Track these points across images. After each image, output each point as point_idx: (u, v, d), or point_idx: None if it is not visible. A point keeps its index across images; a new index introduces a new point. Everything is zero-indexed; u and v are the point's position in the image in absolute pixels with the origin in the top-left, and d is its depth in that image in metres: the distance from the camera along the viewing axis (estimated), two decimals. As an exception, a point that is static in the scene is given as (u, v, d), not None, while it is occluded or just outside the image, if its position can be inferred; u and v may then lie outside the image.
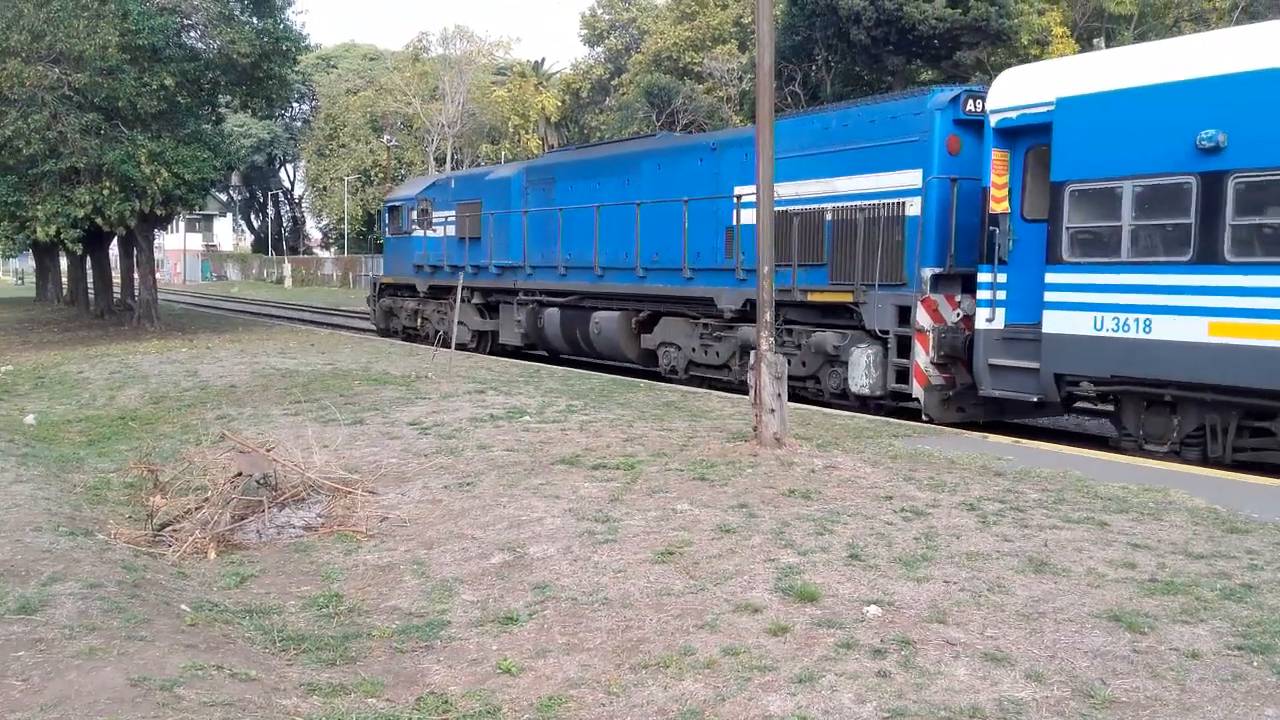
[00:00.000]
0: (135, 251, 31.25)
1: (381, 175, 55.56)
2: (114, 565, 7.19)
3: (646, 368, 19.19)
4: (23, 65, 21.13)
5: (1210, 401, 10.68)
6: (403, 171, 57.40)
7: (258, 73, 26.06)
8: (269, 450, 9.53)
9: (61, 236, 24.03)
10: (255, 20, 26.34)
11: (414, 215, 26.26)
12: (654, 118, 44.86)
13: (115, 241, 33.84)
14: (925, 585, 6.16)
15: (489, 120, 59.94)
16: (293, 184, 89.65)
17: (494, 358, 20.77)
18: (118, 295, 36.60)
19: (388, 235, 29.20)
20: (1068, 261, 11.68)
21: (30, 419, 14.61)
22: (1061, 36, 38.81)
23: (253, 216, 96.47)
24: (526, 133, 59.71)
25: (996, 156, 12.51)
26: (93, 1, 21.91)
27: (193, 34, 26.22)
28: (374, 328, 29.62)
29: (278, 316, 38.56)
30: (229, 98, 28.80)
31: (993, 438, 11.74)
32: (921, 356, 13.11)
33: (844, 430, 11.57)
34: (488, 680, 5.42)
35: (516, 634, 5.94)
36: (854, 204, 14.35)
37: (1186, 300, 10.68)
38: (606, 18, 60.54)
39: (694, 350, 17.59)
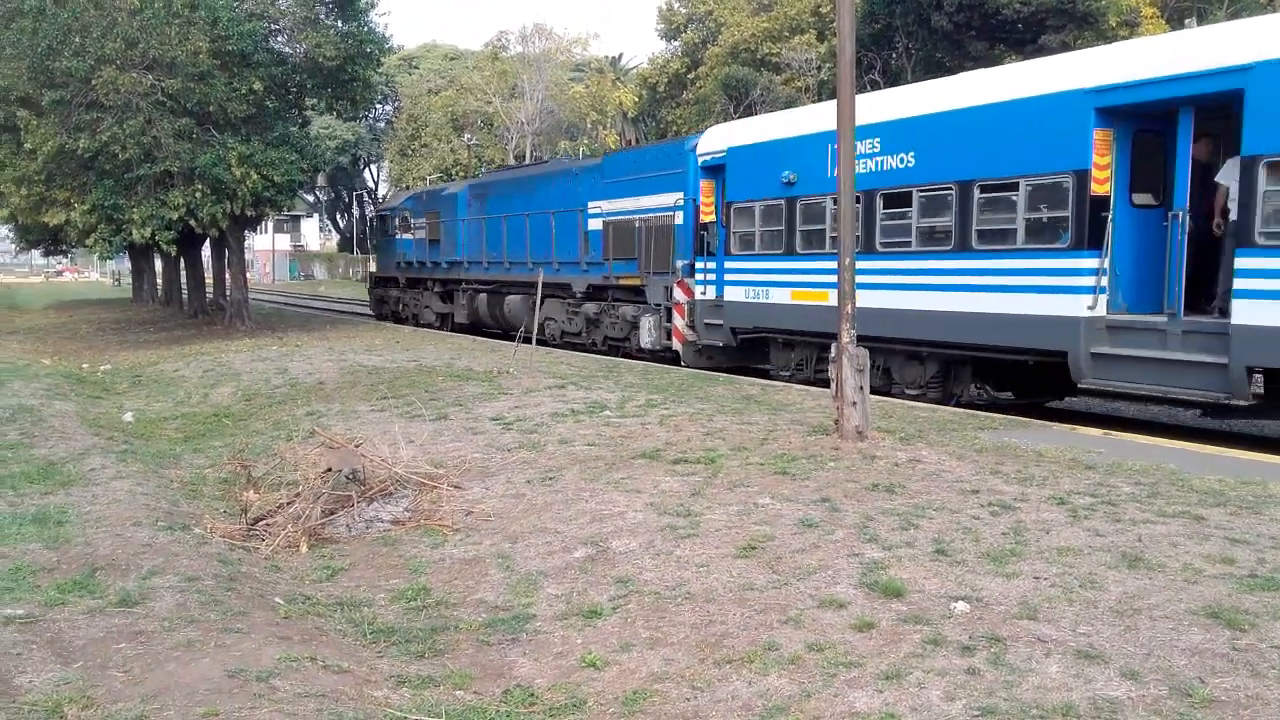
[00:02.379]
0: (226, 252, 32.07)
1: (463, 174, 56.24)
2: (210, 559, 7.40)
3: (541, 336, 23.30)
4: (118, 72, 21.81)
5: (801, 342, 16.58)
6: (482, 169, 57.98)
7: (342, 75, 26.55)
8: (357, 446, 9.71)
9: (156, 238, 24.76)
10: (340, 24, 26.81)
11: (396, 222, 33.07)
12: (731, 110, 44.62)
13: (207, 243, 34.77)
14: (1014, 581, 6.05)
15: (567, 117, 60.23)
16: (376, 184, 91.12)
17: (573, 353, 20.98)
18: (210, 295, 37.59)
19: (379, 238, 35.90)
20: (733, 254, 17.71)
21: (129, 416, 15.10)
22: (1151, 17, 37.62)
23: (338, 216, 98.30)
24: (605, 128, 59.85)
25: (704, 185, 18.46)
26: (184, 9, 22.52)
27: (280, 38, 26.82)
28: (372, 313, 36.83)
29: (363, 314, 39.25)
30: (315, 100, 29.37)
31: (1081, 429, 11.46)
32: (679, 321, 19.07)
33: (927, 423, 11.40)
34: (573, 674, 5.46)
35: (600, 628, 5.98)
36: (649, 215, 20.09)
37: (782, 278, 16.61)
38: (683, 11, 60.34)
39: (563, 322, 23.56)
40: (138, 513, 8.55)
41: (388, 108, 71.14)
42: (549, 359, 18.76)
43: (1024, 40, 35.34)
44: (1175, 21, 37.96)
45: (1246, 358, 10.52)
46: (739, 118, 42.37)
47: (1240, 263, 10.62)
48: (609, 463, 9.57)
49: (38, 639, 5.63)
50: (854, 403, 9.98)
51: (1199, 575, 6.04)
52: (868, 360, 10.16)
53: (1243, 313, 10.53)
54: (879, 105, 15.07)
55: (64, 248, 59.51)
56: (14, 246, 74.25)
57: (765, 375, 16.74)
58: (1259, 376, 10.97)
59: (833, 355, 10.22)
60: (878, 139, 14.68)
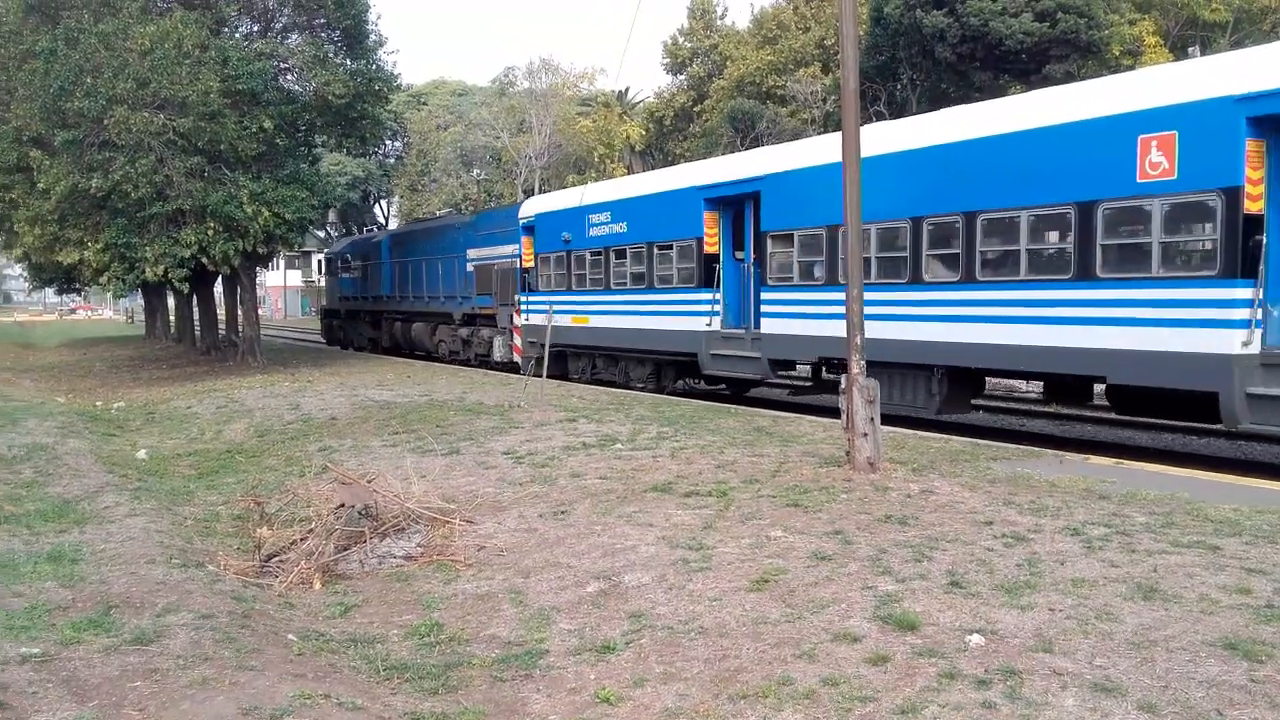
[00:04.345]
0: (238, 289, 32.28)
1: (472, 209, 56.55)
2: (224, 596, 7.41)
3: (436, 353, 31.47)
4: (130, 112, 22.05)
5: (584, 352, 22.76)
6: (491, 204, 58.32)
7: (352, 113, 26.82)
8: (369, 481, 9.74)
9: (169, 276, 24.94)
10: (349, 62, 27.12)
11: (339, 264, 40.72)
12: (738, 143, 44.87)
13: (219, 280, 34.98)
14: (1029, 613, 6.03)
15: (575, 151, 60.53)
16: (387, 219, 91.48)
17: (586, 386, 21.06)
18: (222, 332, 37.76)
19: (326, 277, 44.10)
20: (539, 290, 23.84)
21: (142, 453, 15.15)
22: (1154, 46, 37.82)
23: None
24: (612, 161, 60.15)
25: (525, 240, 24.68)
26: (194, 49, 22.80)
27: (289, 77, 27.12)
28: (324, 339, 44.67)
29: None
30: (325, 138, 29.70)
31: (1095, 459, 11.43)
32: (517, 340, 25.03)
33: (939, 453, 11.38)
34: (586, 710, 5.45)
35: (614, 663, 5.97)
36: (500, 261, 26.45)
37: (566, 307, 22.45)
38: (688, 46, 60.80)
39: (449, 343, 30.19)
40: (152, 550, 8.57)
41: (397, 144, 71.60)
42: (559, 392, 18.79)
43: (1028, 70, 35.54)
44: (1179, 50, 38.13)
45: (767, 353, 17.02)
46: (746, 149, 43.07)
47: (763, 295, 17.16)
48: (621, 496, 9.58)
49: (53, 678, 5.64)
50: (865, 434, 9.98)
51: (1215, 606, 6.02)
52: (878, 391, 10.17)
53: (764, 325, 17.08)
54: (610, 189, 22.61)
55: (77, 286, 59.82)
56: (27, 285, 74.72)
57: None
58: (812, 366, 17.46)
59: (842, 387, 10.24)
60: (609, 213, 21.22)
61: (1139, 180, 11.33)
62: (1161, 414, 13.79)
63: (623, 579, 7.24)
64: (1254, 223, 10.54)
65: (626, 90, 70.03)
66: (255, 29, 27.99)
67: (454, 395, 18.20)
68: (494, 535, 8.84)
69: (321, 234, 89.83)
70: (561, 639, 6.44)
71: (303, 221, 26.72)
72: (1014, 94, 21.19)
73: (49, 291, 77.97)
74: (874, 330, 13.50)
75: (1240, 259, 10.52)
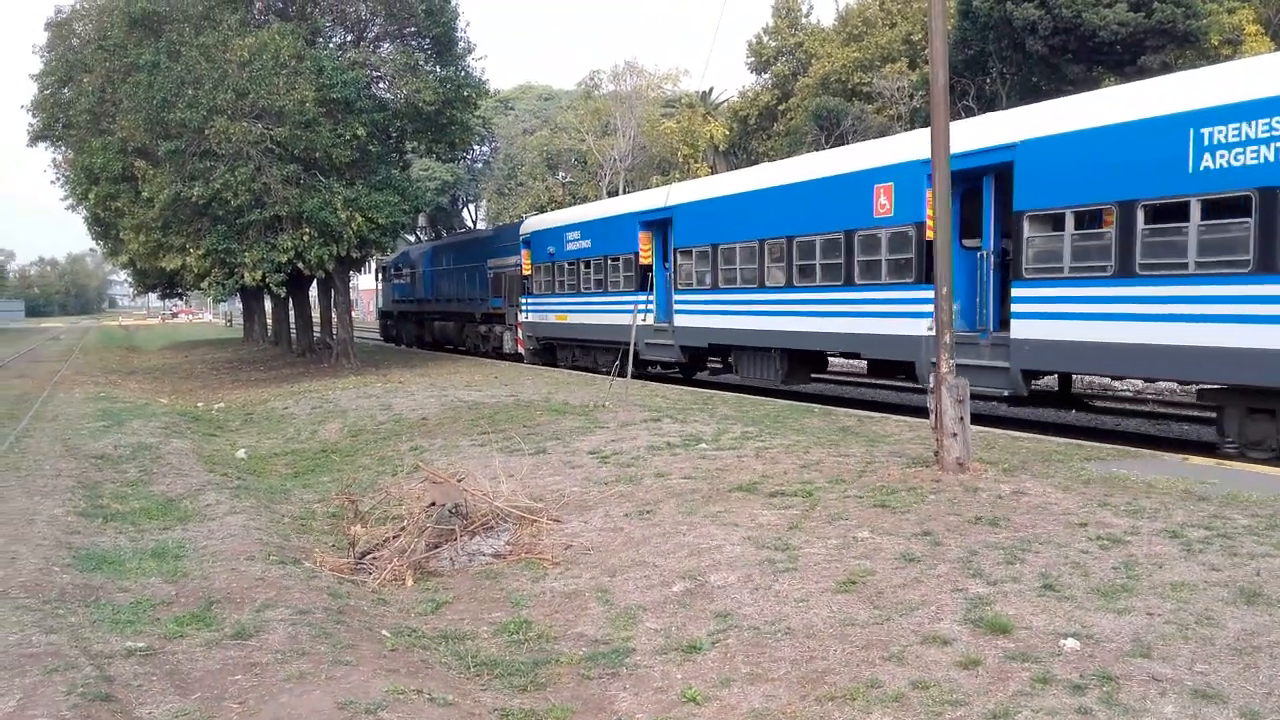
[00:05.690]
0: (332, 292, 33.03)
1: (557, 209, 57.00)
2: (320, 592, 7.61)
3: (464, 347, 37.02)
4: (229, 122, 22.74)
5: (567, 345, 27.77)
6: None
7: (441, 119, 27.23)
8: (459, 480, 9.90)
9: (267, 281, 25.64)
10: (439, 69, 27.54)
11: (393, 271, 47.56)
12: (823, 141, 44.45)
13: (314, 283, 35.82)
14: (1126, 617, 5.88)
15: (659, 152, 60.57)
16: (475, 222, 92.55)
17: (668, 385, 21.09)
18: (317, 334, 38.65)
19: (382, 283, 51.43)
20: (534, 293, 29.11)
21: (241, 453, 15.61)
22: (1255, 35, 36.44)
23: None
24: (696, 162, 60.03)
25: (524, 252, 29.62)
26: (291, 60, 23.40)
27: (381, 85, 27.64)
28: (381, 337, 51.64)
29: (464, 351, 39.97)
30: (415, 144, 30.21)
31: (1194, 460, 11.08)
32: (521, 334, 30.24)
33: (1031, 454, 11.15)
34: (673, 709, 5.47)
35: (700, 662, 5.99)
36: (509, 269, 31.65)
37: (552, 307, 28.06)
38: (773, 44, 60.40)
39: (474, 337, 35.75)
40: (251, 547, 8.84)
41: (485, 149, 72.54)
42: (644, 392, 18.85)
43: (1123, 62, 34.54)
44: (1282, 38, 36.71)
45: (678, 341, 22.02)
46: (830, 148, 42.73)
47: (675, 297, 22.00)
48: (706, 496, 9.59)
49: (157, 670, 5.86)
50: (954, 434, 9.83)
51: (1323, 612, 5.80)
52: (968, 391, 10.01)
53: (676, 320, 22.03)
54: (579, 213, 27.74)
55: (180, 290, 61.75)
56: (132, 290, 77.40)
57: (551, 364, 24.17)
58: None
59: (930, 386, 10.10)
60: (579, 231, 26.40)
61: (875, 216, 15.97)
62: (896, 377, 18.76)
63: (708, 579, 7.26)
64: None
65: (710, 90, 69.76)
66: (348, 39, 28.61)
67: (540, 395, 18.39)
68: (581, 534, 8.92)
69: (412, 238, 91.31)
70: (648, 638, 6.48)
71: (395, 226, 27.22)
72: (1108, 86, 20.74)
73: (152, 296, 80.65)
74: (738, 323, 19.96)
75: (925, 270, 14.46)
